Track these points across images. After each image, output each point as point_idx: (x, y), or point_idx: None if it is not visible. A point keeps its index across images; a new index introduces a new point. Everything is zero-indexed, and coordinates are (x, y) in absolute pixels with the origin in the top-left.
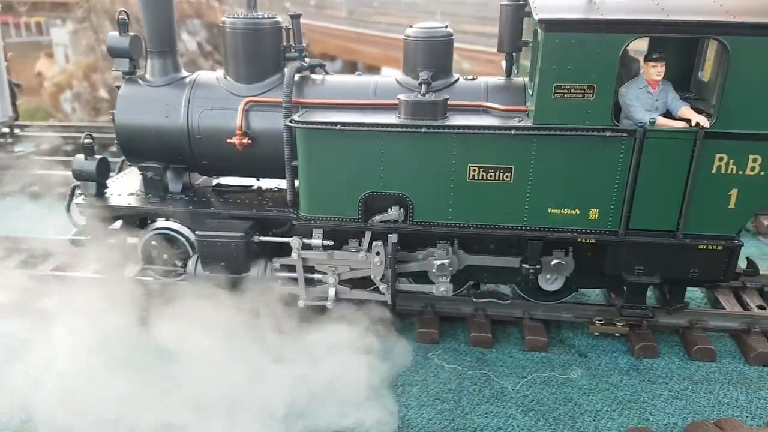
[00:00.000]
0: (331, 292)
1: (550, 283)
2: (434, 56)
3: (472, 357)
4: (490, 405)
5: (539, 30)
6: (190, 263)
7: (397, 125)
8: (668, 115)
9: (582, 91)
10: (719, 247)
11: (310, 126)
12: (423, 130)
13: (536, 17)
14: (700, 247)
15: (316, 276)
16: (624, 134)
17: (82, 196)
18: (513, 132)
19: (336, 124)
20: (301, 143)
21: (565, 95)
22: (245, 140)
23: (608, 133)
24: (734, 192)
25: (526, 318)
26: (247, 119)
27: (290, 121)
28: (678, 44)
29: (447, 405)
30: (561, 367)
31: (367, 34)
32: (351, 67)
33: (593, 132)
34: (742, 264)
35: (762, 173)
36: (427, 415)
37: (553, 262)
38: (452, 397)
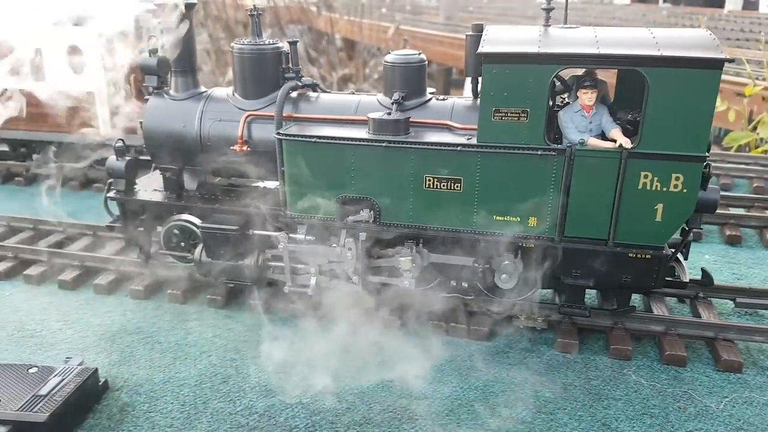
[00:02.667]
0: (313, 281)
1: (504, 281)
2: (409, 79)
3: (668, 375)
4: (697, 422)
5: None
6: (197, 251)
7: (364, 139)
8: (604, 136)
9: (517, 115)
10: (648, 256)
11: (292, 138)
12: (384, 144)
13: (479, 50)
14: (630, 255)
15: (301, 266)
16: (554, 153)
17: (115, 191)
18: (459, 149)
19: (313, 137)
20: (286, 152)
21: (503, 118)
22: (245, 148)
23: (540, 152)
24: (660, 206)
25: (719, 339)
26: (248, 130)
27: (277, 134)
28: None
29: (656, 420)
30: (758, 388)
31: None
32: (446, 74)
33: (527, 150)
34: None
35: (684, 190)
36: (638, 428)
37: (503, 263)
38: (659, 413)
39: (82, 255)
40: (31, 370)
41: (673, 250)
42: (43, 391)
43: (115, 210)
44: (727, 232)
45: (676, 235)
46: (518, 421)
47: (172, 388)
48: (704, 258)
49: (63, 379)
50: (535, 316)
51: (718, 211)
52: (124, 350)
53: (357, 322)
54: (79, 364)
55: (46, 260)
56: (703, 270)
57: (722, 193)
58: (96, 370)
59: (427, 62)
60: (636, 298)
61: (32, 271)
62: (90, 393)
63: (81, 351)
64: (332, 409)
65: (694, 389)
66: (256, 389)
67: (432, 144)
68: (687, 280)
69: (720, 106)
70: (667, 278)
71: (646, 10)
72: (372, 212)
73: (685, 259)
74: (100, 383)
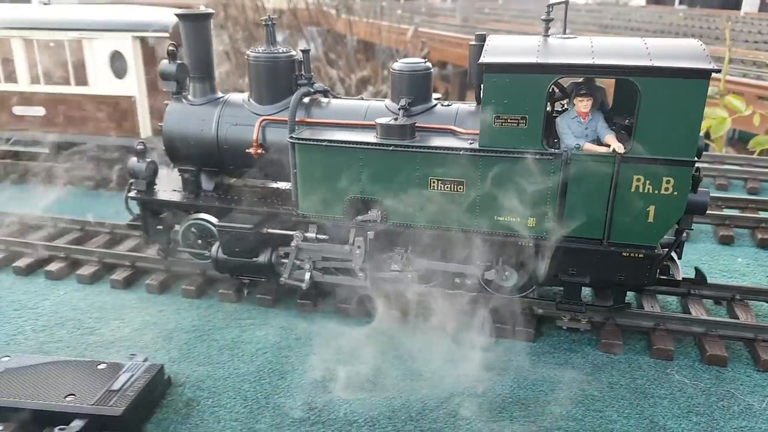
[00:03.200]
0: (307, 276)
1: (505, 280)
2: (415, 86)
3: (710, 375)
4: (741, 420)
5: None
6: (213, 248)
7: (372, 143)
8: (600, 141)
9: (516, 121)
10: (641, 255)
11: (304, 142)
12: (391, 148)
13: (480, 60)
14: (624, 254)
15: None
16: (551, 157)
17: (135, 191)
18: (461, 152)
19: (323, 141)
20: (298, 155)
21: (503, 124)
22: (259, 151)
23: (538, 156)
24: (652, 208)
25: (759, 340)
26: (263, 133)
27: (290, 137)
28: None
29: (701, 418)
30: None
31: None
32: (462, 76)
33: (526, 154)
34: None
35: (675, 193)
36: (685, 426)
37: (504, 262)
38: (704, 411)
39: (132, 255)
40: (100, 366)
41: (666, 249)
42: (116, 386)
43: (136, 209)
44: (759, 236)
45: (670, 235)
46: (569, 419)
47: (233, 384)
48: (737, 261)
49: (133, 375)
50: (578, 318)
51: (749, 214)
52: (182, 347)
53: (404, 320)
54: (144, 361)
55: (97, 260)
56: (696, 269)
57: (750, 197)
58: (162, 366)
59: (432, 68)
60: (672, 301)
61: (84, 271)
62: (157, 389)
63: (141, 348)
64: (388, 405)
65: (736, 388)
66: (313, 385)
67: (436, 148)
68: (680, 279)
69: (745, 110)
70: (661, 276)
71: (662, 11)
72: (379, 212)
73: (679, 258)
74: (165, 379)
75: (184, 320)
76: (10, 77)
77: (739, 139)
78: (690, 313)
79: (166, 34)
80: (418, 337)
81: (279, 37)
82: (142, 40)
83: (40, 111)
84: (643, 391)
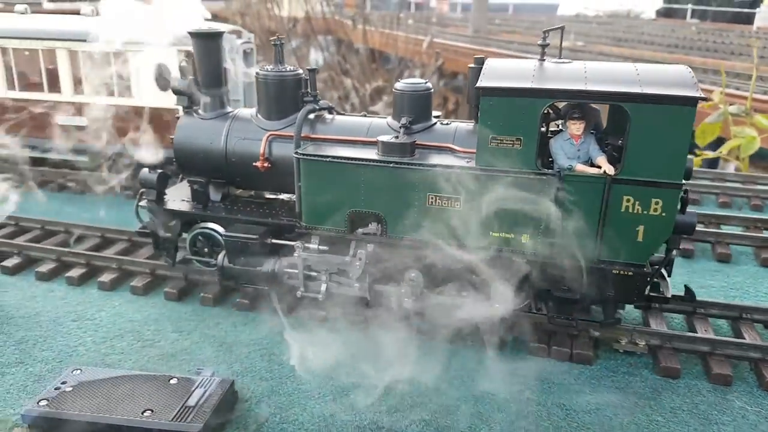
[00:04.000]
0: (323, 287)
1: (499, 294)
2: (416, 105)
3: None
4: None
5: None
6: (220, 257)
7: (374, 160)
8: (592, 162)
9: (512, 142)
10: (630, 273)
11: (309, 157)
12: (392, 165)
13: (477, 84)
14: (614, 272)
15: (313, 274)
16: (544, 177)
17: (146, 200)
18: (458, 171)
19: (327, 157)
20: (303, 170)
21: (499, 144)
22: (266, 164)
23: (532, 176)
24: (641, 228)
25: None
26: (269, 148)
27: (295, 153)
28: None
29: None
30: None
31: (503, 53)
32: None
33: (520, 174)
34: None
35: (664, 214)
36: None
37: (497, 278)
38: None
39: (183, 267)
40: (171, 381)
41: (656, 267)
42: (191, 402)
43: (146, 218)
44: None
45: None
46: None
47: (299, 400)
48: None
49: (206, 391)
50: (636, 341)
51: None
52: (244, 361)
53: (460, 340)
54: (212, 375)
55: (149, 272)
56: (686, 287)
57: None
58: (233, 381)
59: (431, 89)
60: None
61: (137, 282)
62: (228, 404)
63: (203, 362)
64: (455, 428)
65: None
66: (378, 404)
67: (435, 166)
68: (669, 296)
69: None
70: (651, 293)
71: (674, 25)
72: (380, 225)
73: (669, 276)
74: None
75: (241, 333)
76: (55, 87)
77: (761, 157)
78: (743, 338)
79: None
80: (471, 356)
81: (293, 44)
82: (188, 53)
83: (82, 121)
84: (706, 417)
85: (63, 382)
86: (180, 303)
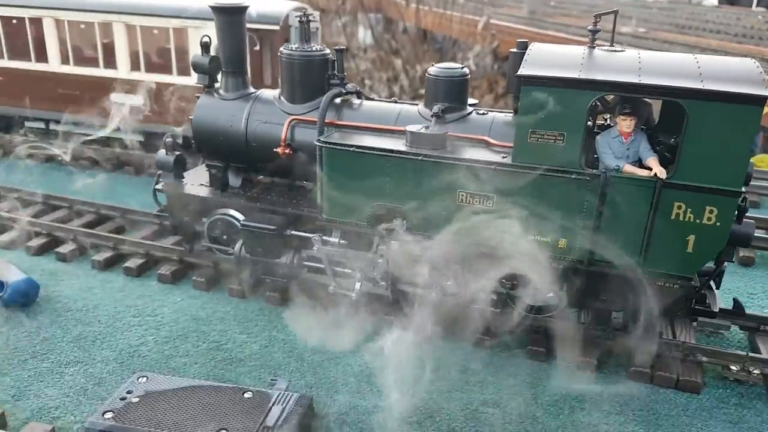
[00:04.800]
0: (357, 285)
1: (532, 300)
2: (451, 92)
3: None
4: None
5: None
6: (237, 246)
7: (400, 152)
8: (641, 162)
9: (554, 137)
10: (676, 286)
11: (332, 146)
12: (420, 158)
13: (519, 72)
14: (659, 284)
15: (343, 270)
16: (588, 178)
17: (163, 183)
18: (493, 167)
19: (352, 146)
20: (325, 159)
21: (539, 140)
22: (287, 150)
23: (574, 175)
24: (692, 238)
25: None
26: (291, 133)
27: (318, 141)
28: None
29: None
30: None
31: (560, 37)
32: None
33: (562, 173)
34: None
35: (718, 223)
36: None
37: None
38: None
39: (251, 264)
40: (246, 395)
41: (706, 278)
42: (269, 422)
43: (164, 201)
44: None
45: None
46: None
47: (379, 420)
48: None
49: (284, 409)
50: (749, 369)
51: None
52: (317, 371)
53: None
54: (287, 388)
55: (213, 265)
56: (735, 300)
57: None
58: (312, 399)
59: (469, 75)
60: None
61: (200, 276)
62: (307, 423)
63: (273, 369)
64: None
65: None
66: (469, 425)
67: (467, 161)
68: (717, 310)
69: None
70: (697, 306)
71: (740, 13)
72: (405, 222)
73: (717, 288)
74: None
75: (312, 338)
76: (110, 64)
77: None
78: None
79: (277, 27)
80: (561, 376)
81: (341, 21)
82: (250, 31)
83: (138, 100)
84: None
85: (129, 392)
86: (245, 301)
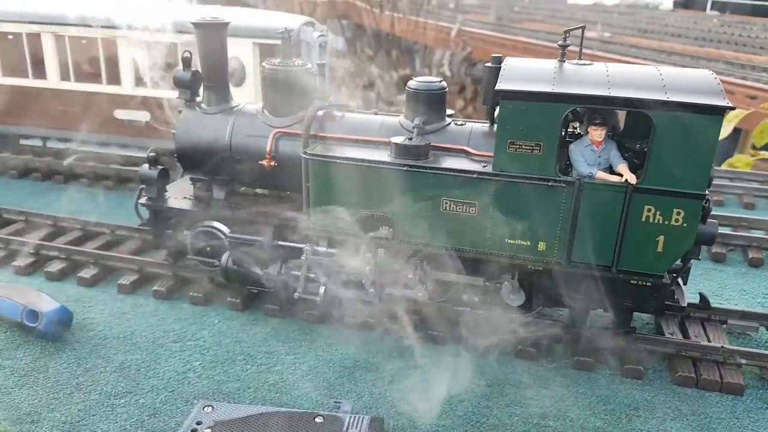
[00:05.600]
0: (322, 290)
1: (511, 300)
2: (430, 104)
3: None
4: None
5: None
6: (224, 258)
7: (386, 162)
8: (612, 169)
9: (531, 147)
10: (648, 284)
11: (318, 158)
12: (405, 168)
13: (497, 87)
14: (632, 282)
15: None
16: (564, 184)
17: (146, 197)
18: (475, 176)
19: (338, 158)
20: (311, 170)
21: (517, 149)
22: (272, 163)
23: (551, 183)
24: (661, 238)
25: None
26: (276, 146)
27: (304, 153)
28: None
29: None
30: None
31: (532, 43)
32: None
33: (539, 181)
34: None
35: (685, 224)
36: None
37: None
38: None
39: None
40: (317, 419)
41: (674, 275)
42: None
43: (146, 215)
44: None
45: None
46: None
47: None
48: None
49: None
50: None
51: None
52: (372, 391)
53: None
54: (352, 411)
55: (244, 286)
56: (701, 294)
57: None
58: (383, 420)
59: (447, 89)
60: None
61: (234, 296)
62: None
63: (328, 389)
64: None
65: None
66: None
67: (450, 170)
68: (685, 305)
69: None
70: (666, 302)
71: (695, 17)
72: (391, 230)
73: (684, 284)
74: None
75: (356, 355)
76: (114, 79)
77: None
78: None
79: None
80: (611, 382)
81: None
82: (262, 46)
83: (144, 116)
84: None
85: (198, 423)
86: (284, 320)
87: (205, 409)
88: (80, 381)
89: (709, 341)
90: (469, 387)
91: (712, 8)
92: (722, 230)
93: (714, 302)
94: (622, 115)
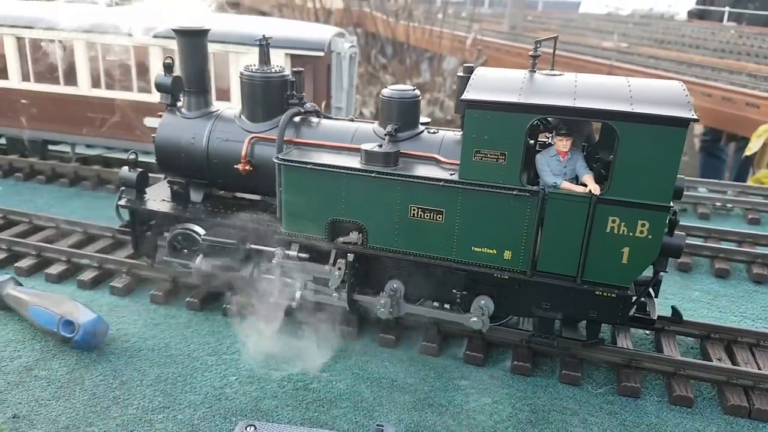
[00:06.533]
0: (298, 294)
1: (474, 324)
2: (404, 112)
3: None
4: None
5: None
6: (198, 259)
7: (355, 169)
8: (578, 179)
9: (496, 156)
10: (613, 295)
11: (289, 163)
12: (373, 175)
13: (463, 96)
14: (597, 293)
15: (289, 280)
16: (529, 194)
17: (125, 199)
18: (441, 183)
19: (309, 163)
20: (284, 175)
21: (483, 158)
22: (248, 167)
23: (515, 192)
24: (626, 250)
25: None
26: (251, 150)
27: (276, 158)
28: None
29: None
30: None
31: (547, 52)
32: None
33: (504, 190)
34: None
35: (650, 236)
36: None
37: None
38: None
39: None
40: None
41: (642, 287)
42: None
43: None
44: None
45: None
46: None
47: None
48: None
49: None
50: None
51: None
52: (412, 413)
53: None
54: None
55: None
56: (673, 308)
57: None
58: None
59: (420, 97)
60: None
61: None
62: None
63: (368, 411)
64: None
65: None
66: None
67: (417, 177)
68: (656, 317)
69: None
70: (636, 314)
71: (713, 27)
72: (361, 235)
73: (656, 296)
74: None
75: (394, 374)
76: (146, 87)
77: None
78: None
79: (321, 53)
80: (663, 411)
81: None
82: (293, 57)
83: None
84: None
85: None
86: (313, 333)
87: (248, 429)
88: (117, 394)
89: (759, 368)
90: (512, 413)
91: (729, 19)
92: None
93: (761, 326)
94: (597, 126)
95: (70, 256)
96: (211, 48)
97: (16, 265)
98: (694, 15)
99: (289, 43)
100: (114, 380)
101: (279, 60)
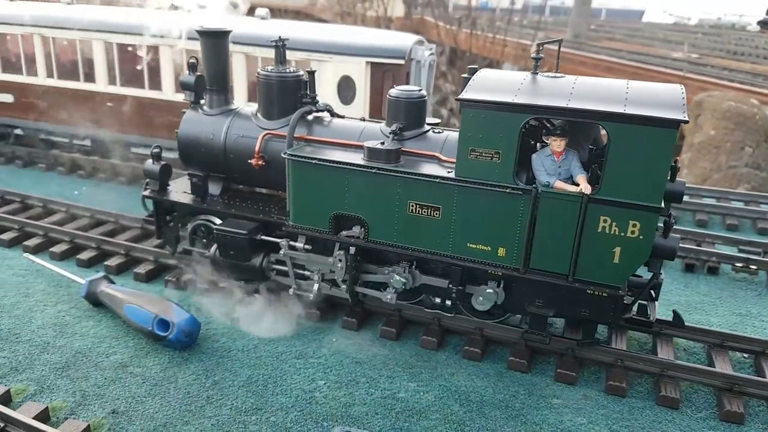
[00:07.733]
0: (315, 287)
1: (480, 304)
2: (410, 112)
3: None
4: None
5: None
6: (212, 249)
7: (357, 164)
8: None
9: (490, 155)
10: (604, 294)
11: (297, 158)
12: (374, 171)
13: (459, 96)
14: (588, 291)
15: (306, 272)
16: (522, 192)
17: (150, 190)
18: (438, 181)
19: (314, 159)
20: (292, 170)
21: (478, 157)
22: (260, 162)
23: (509, 190)
24: (618, 249)
25: None
26: (265, 146)
27: (285, 153)
28: None
29: None
30: None
31: (615, 62)
32: None
33: (498, 188)
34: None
35: (641, 237)
36: None
37: (487, 291)
38: None
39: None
40: None
41: (640, 289)
42: None
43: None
44: None
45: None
46: None
47: None
48: None
49: None
50: None
51: None
52: (503, 428)
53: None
54: None
55: (356, 305)
56: (674, 312)
57: None
58: None
59: (426, 97)
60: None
61: (349, 315)
62: None
63: (459, 425)
64: None
65: None
66: None
67: (415, 174)
68: (653, 320)
69: None
70: (636, 316)
71: None
72: (362, 229)
73: (656, 299)
74: None
75: (483, 389)
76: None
77: None
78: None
79: (402, 62)
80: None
81: None
82: (374, 65)
83: None
84: None
85: None
86: (398, 343)
87: None
88: (210, 394)
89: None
90: None
91: None
92: None
93: None
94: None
95: (158, 256)
96: (294, 56)
97: (106, 263)
98: (765, 24)
99: (371, 51)
100: (206, 380)
101: (360, 68)
